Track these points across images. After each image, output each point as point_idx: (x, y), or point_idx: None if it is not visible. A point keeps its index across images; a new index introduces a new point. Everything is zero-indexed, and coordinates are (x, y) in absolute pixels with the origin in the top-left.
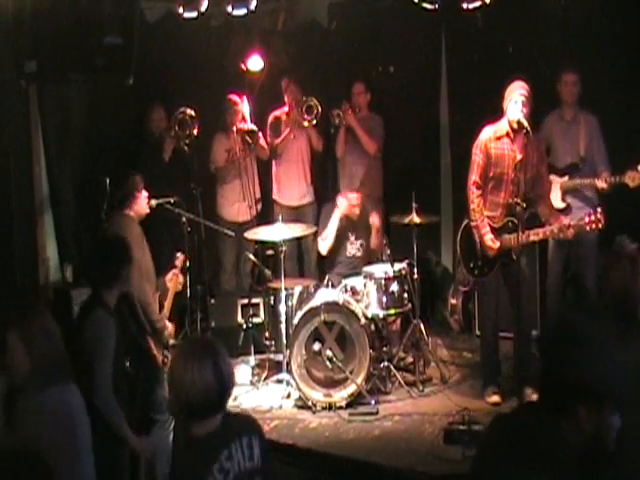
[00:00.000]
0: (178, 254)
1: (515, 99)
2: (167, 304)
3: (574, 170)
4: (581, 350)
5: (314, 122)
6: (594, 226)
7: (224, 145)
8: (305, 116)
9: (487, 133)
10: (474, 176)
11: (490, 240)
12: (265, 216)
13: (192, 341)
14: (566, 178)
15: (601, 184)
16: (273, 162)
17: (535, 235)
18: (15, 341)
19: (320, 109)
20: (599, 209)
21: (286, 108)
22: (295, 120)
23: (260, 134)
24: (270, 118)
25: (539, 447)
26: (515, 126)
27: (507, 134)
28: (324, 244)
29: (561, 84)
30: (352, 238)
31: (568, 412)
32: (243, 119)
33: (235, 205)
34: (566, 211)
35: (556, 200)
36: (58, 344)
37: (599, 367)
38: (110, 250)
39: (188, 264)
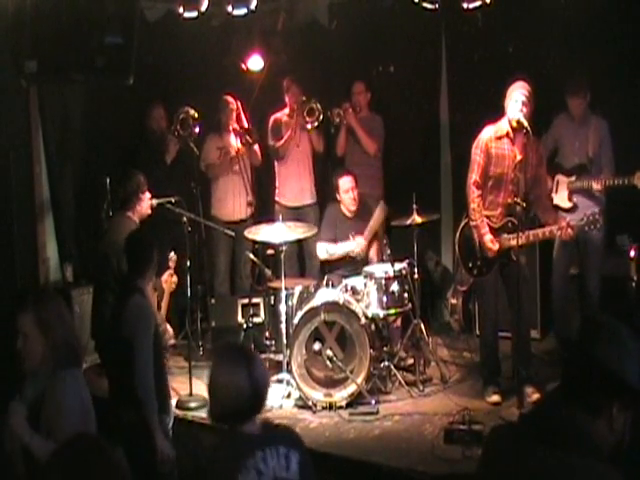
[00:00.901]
0: (171, 254)
1: (515, 98)
2: (164, 304)
3: (582, 171)
4: (616, 348)
5: (316, 124)
6: (592, 226)
7: (216, 143)
8: (307, 119)
9: (488, 133)
10: (474, 175)
11: (490, 241)
12: (265, 215)
13: (227, 347)
14: (573, 178)
15: (596, 186)
16: (275, 163)
17: (534, 235)
18: (30, 325)
19: (321, 111)
20: (597, 209)
21: (287, 110)
22: (297, 123)
23: (257, 146)
24: (270, 121)
25: (576, 452)
26: (515, 125)
27: (507, 134)
28: (324, 255)
29: (568, 102)
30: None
31: (603, 412)
32: (238, 119)
33: (230, 204)
34: (572, 210)
35: (563, 200)
36: (71, 328)
37: (633, 364)
38: (137, 241)
39: (188, 264)
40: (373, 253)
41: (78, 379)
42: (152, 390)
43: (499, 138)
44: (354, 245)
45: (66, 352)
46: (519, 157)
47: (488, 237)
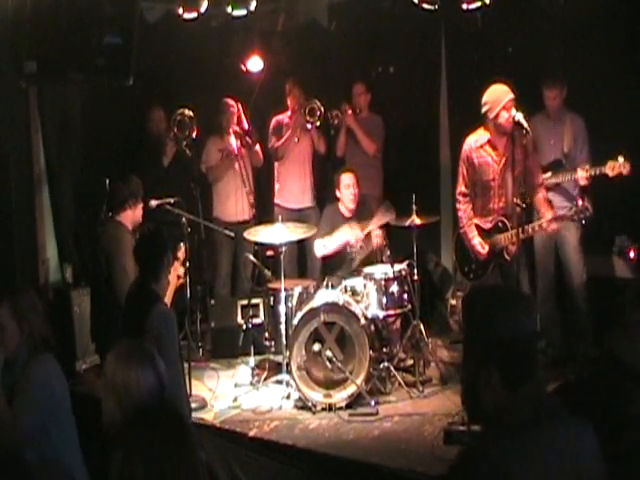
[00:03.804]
0: (180, 244)
1: (507, 106)
2: (167, 301)
3: (557, 167)
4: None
5: (317, 124)
6: (581, 215)
7: (218, 145)
8: (308, 118)
9: (468, 143)
10: (460, 187)
11: (479, 244)
12: (265, 217)
13: (128, 345)
14: (549, 174)
15: (581, 173)
16: (275, 165)
17: (525, 231)
18: (7, 317)
19: (322, 111)
20: (585, 197)
21: (289, 112)
22: (298, 123)
23: (258, 146)
24: (273, 122)
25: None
26: (511, 127)
27: (489, 141)
28: (321, 250)
29: (544, 96)
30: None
31: None
32: (239, 121)
33: (232, 206)
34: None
35: None
36: (43, 316)
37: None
38: (147, 244)
39: (188, 264)
40: (377, 238)
41: (52, 362)
42: (185, 397)
43: (480, 147)
44: (350, 234)
45: (40, 339)
46: (503, 160)
47: (476, 240)
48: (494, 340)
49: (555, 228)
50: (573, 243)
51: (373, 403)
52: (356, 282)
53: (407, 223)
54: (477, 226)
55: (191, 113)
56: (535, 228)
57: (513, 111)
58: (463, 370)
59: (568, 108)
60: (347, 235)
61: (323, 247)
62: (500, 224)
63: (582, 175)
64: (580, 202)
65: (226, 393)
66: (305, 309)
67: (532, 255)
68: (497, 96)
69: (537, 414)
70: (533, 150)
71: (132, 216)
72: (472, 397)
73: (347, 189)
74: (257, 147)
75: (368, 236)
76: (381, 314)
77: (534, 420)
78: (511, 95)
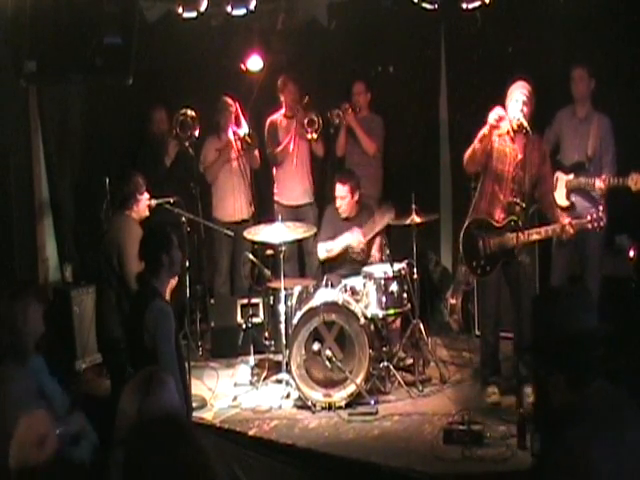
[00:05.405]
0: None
1: (516, 98)
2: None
3: (580, 169)
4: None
5: (315, 136)
6: (595, 225)
7: (215, 145)
8: (307, 129)
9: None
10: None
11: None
12: (264, 216)
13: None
14: (572, 176)
15: (599, 184)
16: (273, 167)
17: (537, 234)
18: None
19: (321, 122)
20: (600, 207)
21: (283, 110)
22: (296, 131)
23: (257, 151)
24: (267, 123)
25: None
26: (515, 127)
27: (508, 132)
28: (324, 254)
29: (570, 80)
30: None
31: None
32: (237, 121)
33: (231, 205)
34: (570, 209)
35: (561, 198)
36: (11, 327)
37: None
38: (148, 239)
39: (188, 264)
40: (375, 250)
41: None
42: (180, 393)
43: (500, 135)
44: (352, 238)
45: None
46: (520, 156)
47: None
48: (556, 344)
49: (571, 233)
50: (594, 243)
51: (373, 402)
52: (356, 281)
53: (407, 222)
54: (488, 222)
55: (193, 113)
56: (548, 231)
57: (520, 104)
58: (533, 374)
59: (595, 107)
60: (349, 240)
61: (325, 251)
62: (512, 223)
63: (600, 186)
64: (595, 211)
65: (226, 392)
66: (305, 308)
67: (546, 252)
68: (512, 89)
69: (606, 408)
70: (549, 157)
71: (137, 211)
72: (542, 399)
73: (338, 200)
74: (256, 152)
75: (370, 241)
76: (381, 313)
77: (605, 414)
78: (522, 89)
